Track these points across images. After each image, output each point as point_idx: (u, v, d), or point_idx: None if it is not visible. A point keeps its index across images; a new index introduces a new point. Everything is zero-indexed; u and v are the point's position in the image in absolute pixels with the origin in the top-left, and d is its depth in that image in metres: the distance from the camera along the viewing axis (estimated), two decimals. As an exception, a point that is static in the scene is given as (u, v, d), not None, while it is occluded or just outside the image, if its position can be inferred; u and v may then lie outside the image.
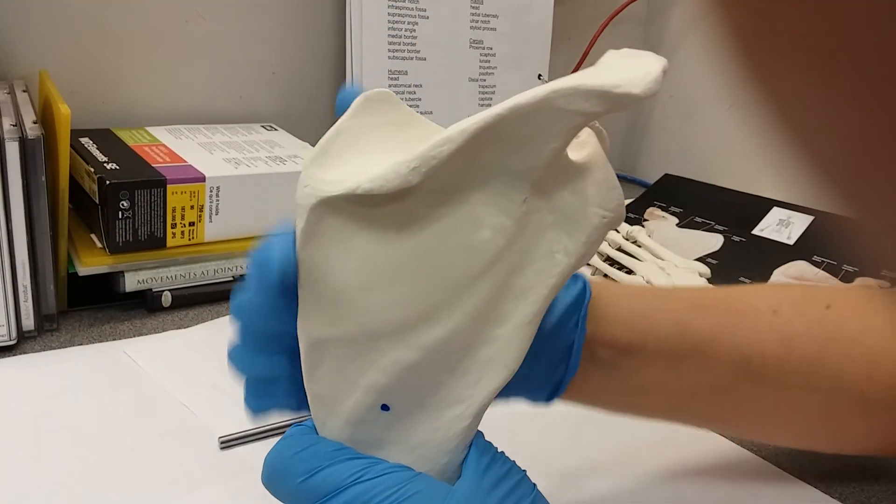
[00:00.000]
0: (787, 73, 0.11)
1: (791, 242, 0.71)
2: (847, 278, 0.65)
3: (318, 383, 0.27)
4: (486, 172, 0.24)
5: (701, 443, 0.45)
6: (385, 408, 0.26)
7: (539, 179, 0.25)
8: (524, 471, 0.27)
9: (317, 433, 0.27)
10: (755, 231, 0.74)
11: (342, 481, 0.25)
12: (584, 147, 0.27)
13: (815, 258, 0.68)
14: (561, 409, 0.47)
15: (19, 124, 0.47)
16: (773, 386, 0.36)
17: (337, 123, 0.26)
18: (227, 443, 0.40)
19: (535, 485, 0.27)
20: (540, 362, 0.31)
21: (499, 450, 0.27)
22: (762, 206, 0.77)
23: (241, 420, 0.42)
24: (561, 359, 0.32)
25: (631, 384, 0.35)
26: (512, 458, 0.27)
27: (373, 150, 0.26)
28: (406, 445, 0.26)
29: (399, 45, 0.72)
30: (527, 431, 0.44)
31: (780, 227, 0.74)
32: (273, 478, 0.27)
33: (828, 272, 0.66)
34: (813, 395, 0.36)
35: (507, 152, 0.24)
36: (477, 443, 0.27)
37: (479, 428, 0.27)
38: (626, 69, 0.24)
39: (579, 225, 0.26)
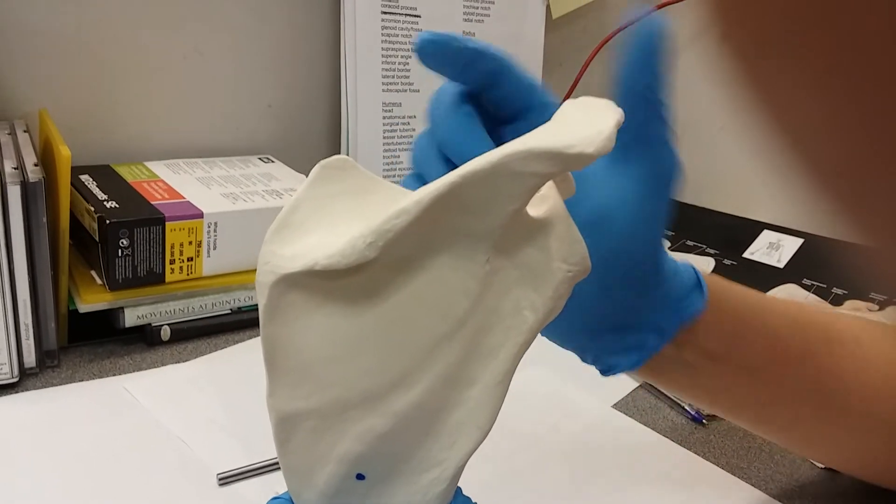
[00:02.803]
0: (787, 84, 0.12)
1: (781, 266, 0.72)
2: (837, 301, 0.66)
3: (290, 456, 0.27)
4: (446, 237, 0.25)
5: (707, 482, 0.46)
6: (360, 477, 0.26)
7: (500, 239, 0.25)
8: None
9: None
10: (746, 254, 0.75)
11: None
12: (544, 202, 0.27)
13: (805, 281, 0.69)
14: (555, 439, 0.48)
15: (20, 167, 0.48)
16: (844, 412, 0.37)
17: (294, 196, 0.26)
18: (226, 479, 0.41)
19: None
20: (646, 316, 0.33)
21: None
22: (753, 229, 0.78)
23: (237, 456, 0.43)
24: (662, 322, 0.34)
25: (707, 384, 0.36)
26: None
27: (333, 220, 0.26)
28: None
29: (393, 77, 0.73)
30: (518, 460, 0.45)
31: (771, 250, 0.75)
32: None
33: (817, 295, 0.67)
34: (878, 425, 0.38)
35: (465, 216, 0.24)
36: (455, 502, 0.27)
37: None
38: (580, 125, 0.24)
39: (544, 280, 0.26)
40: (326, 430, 0.26)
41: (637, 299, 0.33)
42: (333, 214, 0.26)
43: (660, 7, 0.85)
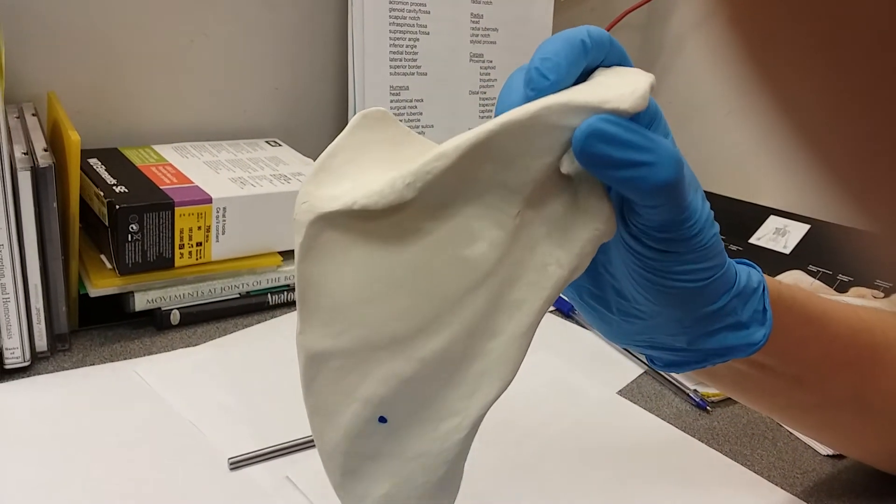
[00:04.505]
0: (792, 70, 0.12)
1: (787, 252, 0.72)
2: (842, 288, 0.66)
3: (316, 396, 0.27)
4: (480, 187, 0.25)
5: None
6: (382, 420, 0.27)
7: (532, 193, 0.26)
8: None
9: None
10: (752, 240, 0.75)
11: None
12: (575, 161, 0.27)
13: (811, 267, 0.69)
14: (560, 425, 0.48)
15: (30, 152, 0.49)
16: (880, 416, 0.38)
17: (334, 142, 0.27)
18: (237, 463, 0.42)
19: None
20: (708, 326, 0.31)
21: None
22: (759, 214, 0.78)
23: (248, 440, 0.43)
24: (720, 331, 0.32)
25: (752, 388, 0.37)
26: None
27: (369, 167, 0.26)
28: (403, 457, 0.27)
29: (400, 60, 0.73)
30: (524, 446, 0.45)
31: (777, 235, 0.75)
32: None
33: (823, 282, 0.67)
34: None
35: (500, 167, 0.25)
36: None
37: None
38: (614, 86, 0.25)
39: (571, 238, 0.26)
40: (352, 371, 0.26)
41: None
42: (370, 162, 0.27)
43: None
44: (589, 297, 0.33)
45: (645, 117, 0.26)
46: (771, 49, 0.12)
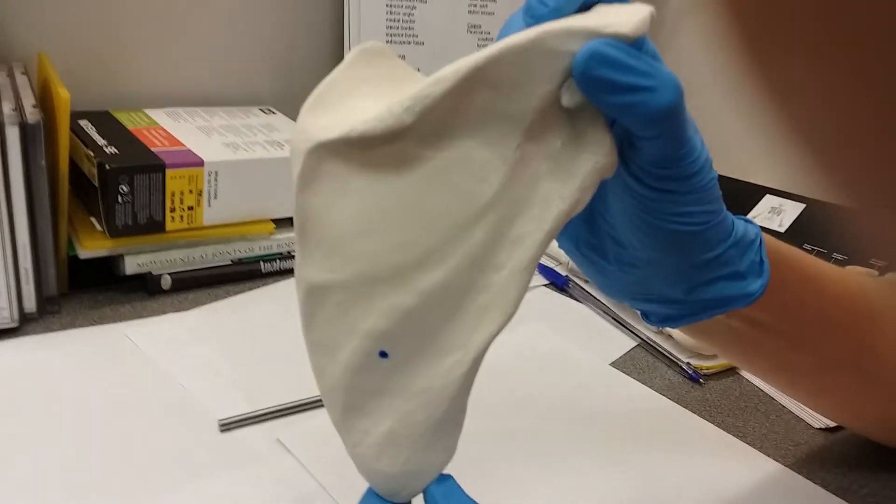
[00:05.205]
0: (788, 59, 0.12)
1: (782, 230, 0.72)
2: (836, 267, 0.66)
3: (316, 330, 0.27)
4: (480, 117, 0.25)
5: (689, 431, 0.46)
6: (384, 355, 0.26)
7: (532, 125, 0.25)
8: None
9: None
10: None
11: None
12: (575, 94, 0.27)
13: (806, 246, 0.69)
14: (553, 396, 0.48)
15: (19, 108, 0.48)
16: (877, 382, 0.37)
17: (330, 75, 0.27)
18: (227, 425, 0.41)
19: None
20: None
21: None
22: (755, 193, 0.77)
23: (239, 404, 0.43)
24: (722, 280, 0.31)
25: (749, 349, 0.36)
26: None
27: (366, 100, 0.26)
28: (406, 393, 0.27)
29: (397, 29, 0.72)
30: (517, 417, 0.45)
31: (772, 214, 0.74)
32: None
33: (817, 260, 0.67)
34: None
35: (500, 95, 0.24)
36: None
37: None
38: (614, 14, 0.25)
39: (572, 171, 0.26)
40: (353, 305, 0.26)
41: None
42: (367, 96, 0.26)
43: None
44: (586, 248, 0.32)
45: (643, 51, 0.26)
46: (763, 33, 0.12)
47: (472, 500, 0.28)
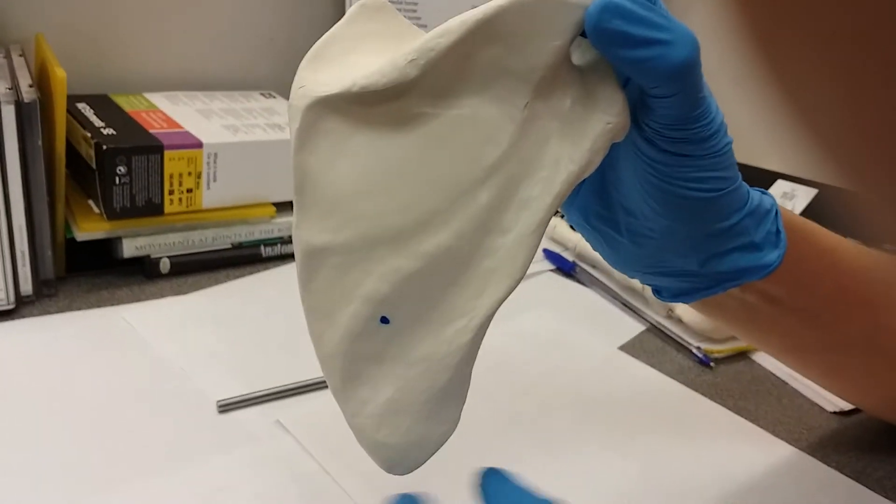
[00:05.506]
0: (796, 49, 0.12)
1: (794, 215, 0.71)
2: (849, 251, 0.65)
3: (314, 294, 0.26)
4: (487, 72, 0.24)
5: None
6: (385, 320, 0.25)
7: (541, 83, 0.24)
8: None
9: None
10: (758, 204, 0.73)
11: None
12: (587, 52, 0.26)
13: (818, 231, 0.68)
14: (561, 380, 0.47)
15: (15, 88, 0.47)
16: (892, 363, 0.36)
17: (330, 31, 0.26)
18: (226, 407, 0.40)
19: None
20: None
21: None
22: (767, 179, 0.76)
23: (237, 386, 0.42)
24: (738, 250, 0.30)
25: (763, 326, 0.35)
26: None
27: (366, 56, 0.25)
28: (406, 361, 0.26)
29: (400, 12, 0.71)
30: (525, 400, 0.44)
31: (785, 200, 0.73)
32: None
33: (830, 245, 0.66)
34: None
35: (508, 50, 0.23)
36: None
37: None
38: None
39: (583, 131, 0.25)
40: (352, 267, 0.25)
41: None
42: (368, 52, 0.25)
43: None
44: (597, 220, 0.31)
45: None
46: (773, 24, 0.12)
47: (521, 489, 0.26)
